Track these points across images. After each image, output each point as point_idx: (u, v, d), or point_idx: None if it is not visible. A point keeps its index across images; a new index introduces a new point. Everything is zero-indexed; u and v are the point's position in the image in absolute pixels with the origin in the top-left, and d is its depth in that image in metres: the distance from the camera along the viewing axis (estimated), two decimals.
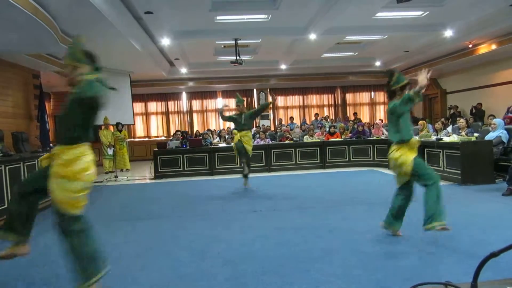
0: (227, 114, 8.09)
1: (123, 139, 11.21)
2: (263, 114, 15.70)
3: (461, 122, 7.81)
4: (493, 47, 10.13)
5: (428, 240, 3.63)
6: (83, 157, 2.63)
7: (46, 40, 6.93)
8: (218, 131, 12.33)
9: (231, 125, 15.51)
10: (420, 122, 9.01)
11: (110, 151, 10.71)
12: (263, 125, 14.02)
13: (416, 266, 3.04)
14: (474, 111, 11.98)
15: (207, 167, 9.50)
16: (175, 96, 16.33)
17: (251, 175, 7.95)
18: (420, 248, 3.44)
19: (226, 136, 10.94)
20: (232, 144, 7.47)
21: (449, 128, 8.30)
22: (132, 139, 15.11)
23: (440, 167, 7.23)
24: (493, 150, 6.67)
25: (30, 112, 9.73)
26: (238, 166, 9.51)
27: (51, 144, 9.11)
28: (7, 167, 5.03)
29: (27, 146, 7.83)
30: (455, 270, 2.92)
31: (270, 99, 8.25)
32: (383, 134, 9.92)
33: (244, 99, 11.92)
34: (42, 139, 9.57)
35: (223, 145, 10.17)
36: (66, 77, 2.73)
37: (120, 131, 11.25)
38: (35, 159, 5.81)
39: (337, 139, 10.15)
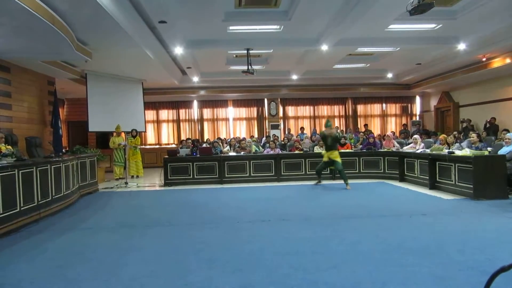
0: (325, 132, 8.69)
1: (136, 145, 11.30)
2: (273, 124, 15.91)
3: (473, 136, 7.68)
4: (508, 61, 10.02)
5: (439, 254, 3.58)
6: None
7: (62, 48, 7.09)
8: (228, 140, 12.35)
9: (240, 134, 15.73)
10: (442, 136, 8.70)
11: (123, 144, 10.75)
12: (273, 134, 14.01)
13: (426, 280, 2.99)
14: (488, 125, 11.82)
15: (217, 176, 9.51)
16: (186, 104, 16.46)
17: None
18: (430, 261, 3.39)
19: (236, 145, 10.96)
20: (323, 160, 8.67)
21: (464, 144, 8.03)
22: (143, 146, 15.23)
23: (452, 181, 7.13)
24: (507, 165, 6.57)
25: (44, 118, 9.91)
26: (248, 175, 9.56)
27: (63, 150, 9.24)
28: (20, 171, 5.09)
29: (40, 151, 7.96)
30: (465, 285, 2.86)
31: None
32: (394, 146, 9.83)
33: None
34: (55, 145, 9.72)
35: (232, 154, 10.19)
36: None
37: (134, 137, 11.34)
38: (48, 164, 5.88)
39: (347, 150, 10.09)
